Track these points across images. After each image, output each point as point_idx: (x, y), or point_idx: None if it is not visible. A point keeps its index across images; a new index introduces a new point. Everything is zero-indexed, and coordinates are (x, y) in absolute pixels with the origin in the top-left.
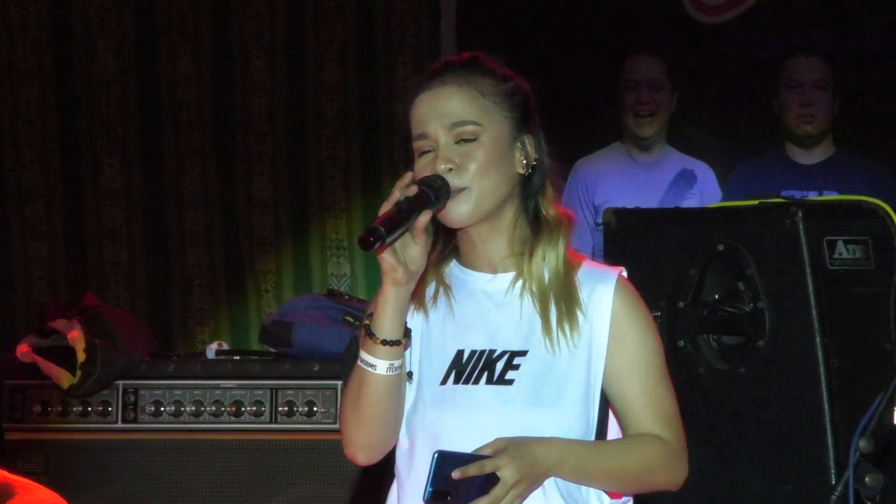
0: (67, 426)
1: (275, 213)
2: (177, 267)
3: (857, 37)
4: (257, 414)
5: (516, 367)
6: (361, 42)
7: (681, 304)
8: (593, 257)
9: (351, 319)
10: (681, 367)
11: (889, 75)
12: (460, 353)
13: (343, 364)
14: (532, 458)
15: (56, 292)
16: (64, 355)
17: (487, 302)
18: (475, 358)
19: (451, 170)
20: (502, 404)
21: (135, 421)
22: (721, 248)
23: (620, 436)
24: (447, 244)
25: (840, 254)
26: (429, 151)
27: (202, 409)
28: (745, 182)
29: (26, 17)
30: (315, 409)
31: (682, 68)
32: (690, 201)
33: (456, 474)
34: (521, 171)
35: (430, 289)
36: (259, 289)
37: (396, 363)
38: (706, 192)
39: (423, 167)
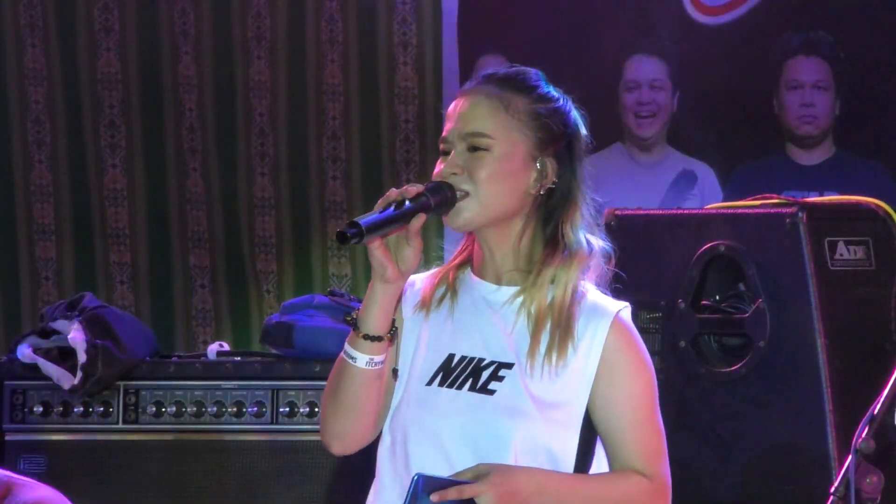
0: (68, 427)
1: (276, 214)
2: (178, 268)
3: (858, 37)
4: (258, 415)
5: (501, 378)
6: (363, 43)
7: (682, 305)
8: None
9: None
10: (681, 367)
11: (889, 75)
12: (451, 356)
13: None
14: (513, 486)
15: (62, 293)
16: (65, 356)
17: (487, 311)
18: (464, 364)
19: (454, 174)
20: (479, 411)
21: (136, 422)
22: (722, 248)
23: (606, 464)
24: (471, 251)
25: (841, 254)
26: (447, 154)
27: (203, 409)
28: (746, 183)
29: (34, 16)
30: (316, 409)
31: (682, 69)
32: (691, 202)
33: (434, 497)
34: (534, 190)
35: (440, 291)
36: (260, 289)
37: (377, 358)
38: (707, 192)
39: (437, 166)
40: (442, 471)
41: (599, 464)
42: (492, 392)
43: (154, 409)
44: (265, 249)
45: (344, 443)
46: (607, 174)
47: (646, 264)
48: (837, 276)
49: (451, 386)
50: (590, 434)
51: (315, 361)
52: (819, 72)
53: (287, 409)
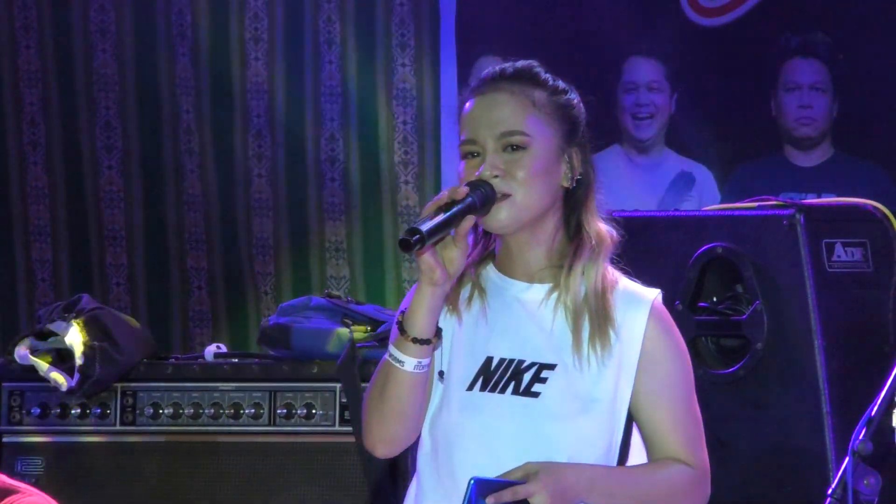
0: (66, 428)
1: (274, 216)
2: (175, 269)
3: (856, 39)
4: (256, 416)
5: (543, 380)
6: (360, 44)
7: (679, 307)
8: None
9: (349, 322)
10: None
11: (888, 77)
12: (489, 359)
13: (341, 367)
14: (564, 483)
15: (58, 294)
16: (62, 357)
17: (521, 311)
18: (503, 366)
19: (496, 176)
20: (526, 416)
21: (133, 423)
22: (720, 250)
23: (643, 458)
24: (486, 247)
25: (839, 256)
26: (475, 156)
27: (201, 411)
28: (744, 184)
29: (29, 18)
30: (314, 411)
31: (680, 70)
32: (689, 203)
33: (490, 500)
34: (566, 184)
35: (466, 291)
36: (258, 291)
37: (424, 361)
38: (705, 194)
39: (468, 170)
40: (490, 474)
41: (634, 452)
42: (536, 395)
43: (151, 410)
44: (263, 251)
45: (390, 447)
46: (605, 175)
47: (643, 266)
48: (835, 277)
49: (493, 390)
50: (629, 424)
51: (313, 363)
52: (817, 73)
53: (285, 410)
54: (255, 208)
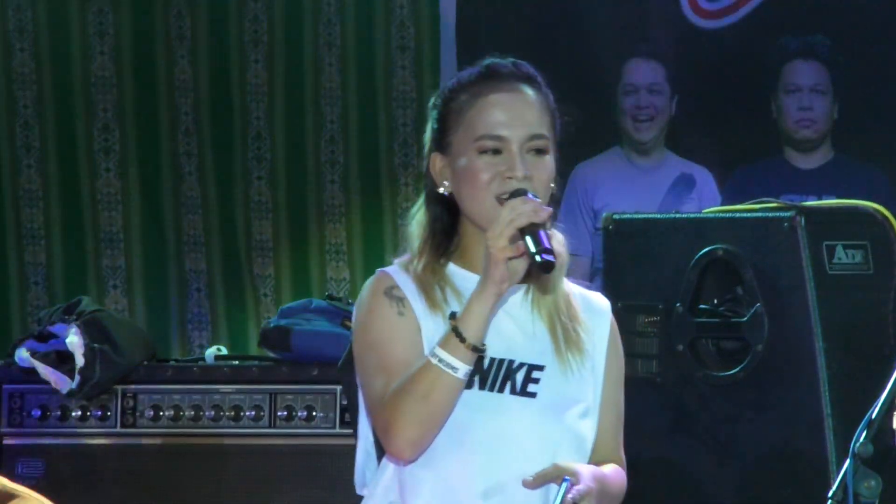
0: (66, 431)
1: (273, 218)
2: (174, 271)
3: (856, 41)
4: (256, 419)
5: (536, 380)
6: (361, 46)
7: (679, 309)
8: (592, 263)
9: (349, 324)
10: (679, 371)
11: (887, 79)
12: (480, 359)
13: (342, 369)
14: (593, 485)
15: (52, 298)
16: (63, 360)
17: (500, 311)
18: (496, 366)
19: (526, 178)
20: (529, 415)
21: (133, 426)
22: (720, 252)
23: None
24: (446, 244)
25: (839, 258)
26: (496, 152)
27: (201, 413)
28: (744, 186)
29: (24, 20)
30: (314, 413)
31: (680, 73)
32: (689, 206)
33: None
34: (554, 192)
35: (437, 290)
36: (257, 293)
37: (472, 368)
38: (705, 196)
39: (485, 166)
40: (494, 474)
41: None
42: (533, 395)
43: (152, 412)
44: (262, 253)
45: (419, 450)
46: (605, 177)
47: (644, 268)
48: (835, 279)
49: (492, 389)
50: None
51: (313, 365)
52: (817, 75)
53: (285, 412)
54: (254, 210)
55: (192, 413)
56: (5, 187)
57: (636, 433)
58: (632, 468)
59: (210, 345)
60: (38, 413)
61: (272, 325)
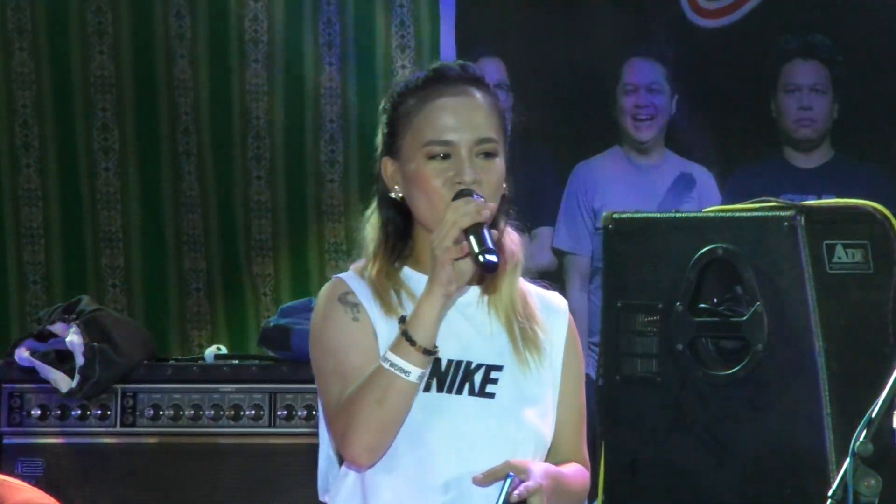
0: (66, 430)
1: (273, 217)
2: (173, 271)
3: (856, 40)
4: (256, 418)
5: (494, 381)
6: (360, 46)
7: (679, 308)
8: (592, 262)
9: None
10: (679, 370)
11: (888, 78)
12: (437, 361)
13: None
14: (545, 482)
15: (51, 297)
16: (63, 359)
17: (455, 312)
18: (453, 368)
19: (475, 182)
20: (488, 417)
21: (133, 425)
22: (720, 251)
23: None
24: (400, 247)
25: (839, 258)
26: (445, 157)
27: (201, 412)
28: (744, 186)
29: (22, 20)
30: (314, 412)
31: (680, 72)
32: (689, 205)
33: (514, 497)
34: (505, 192)
35: (392, 293)
36: (257, 293)
37: (425, 371)
38: (705, 195)
39: (434, 172)
40: (454, 476)
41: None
42: (491, 395)
43: (151, 412)
44: (261, 252)
45: (375, 456)
46: (605, 177)
47: (643, 267)
48: (835, 279)
49: (449, 391)
50: None
51: None
52: (817, 75)
53: (285, 412)
54: (253, 209)
55: (192, 412)
56: (4, 187)
57: (636, 433)
58: (631, 467)
59: (210, 344)
60: (38, 412)
61: (272, 324)
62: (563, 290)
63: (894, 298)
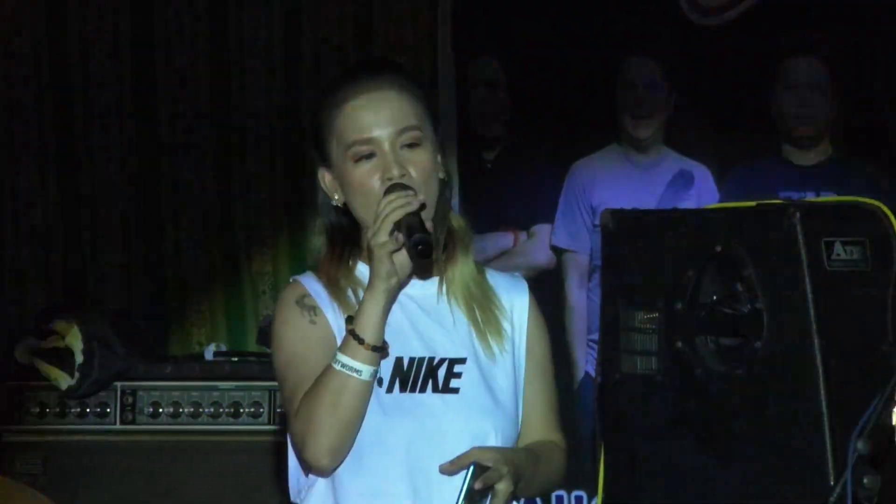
0: (65, 427)
1: (271, 215)
2: (173, 269)
3: (854, 37)
4: (255, 415)
5: (458, 374)
6: (359, 43)
7: (678, 306)
8: (591, 259)
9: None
10: (678, 368)
11: (886, 76)
12: (399, 360)
13: None
14: (512, 468)
15: (50, 295)
16: (62, 357)
17: (415, 308)
18: (416, 365)
19: (403, 175)
20: (451, 412)
21: (133, 422)
22: (718, 249)
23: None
24: (349, 249)
25: (838, 255)
26: (370, 157)
27: (200, 410)
28: (743, 183)
29: (23, 19)
30: None
31: (679, 69)
32: (688, 203)
33: (478, 485)
34: (443, 177)
35: (349, 293)
36: (256, 290)
37: (377, 368)
38: (703, 193)
39: (368, 174)
40: (421, 475)
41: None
42: (455, 390)
43: (151, 409)
44: (261, 250)
45: (337, 458)
46: (604, 175)
47: (642, 265)
48: (834, 276)
49: (412, 390)
50: None
51: None
52: (816, 72)
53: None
54: (253, 207)
55: (192, 410)
56: (4, 186)
57: (635, 431)
58: (630, 466)
59: (209, 342)
60: (37, 410)
61: (271, 321)
62: (561, 288)
63: (893, 296)
